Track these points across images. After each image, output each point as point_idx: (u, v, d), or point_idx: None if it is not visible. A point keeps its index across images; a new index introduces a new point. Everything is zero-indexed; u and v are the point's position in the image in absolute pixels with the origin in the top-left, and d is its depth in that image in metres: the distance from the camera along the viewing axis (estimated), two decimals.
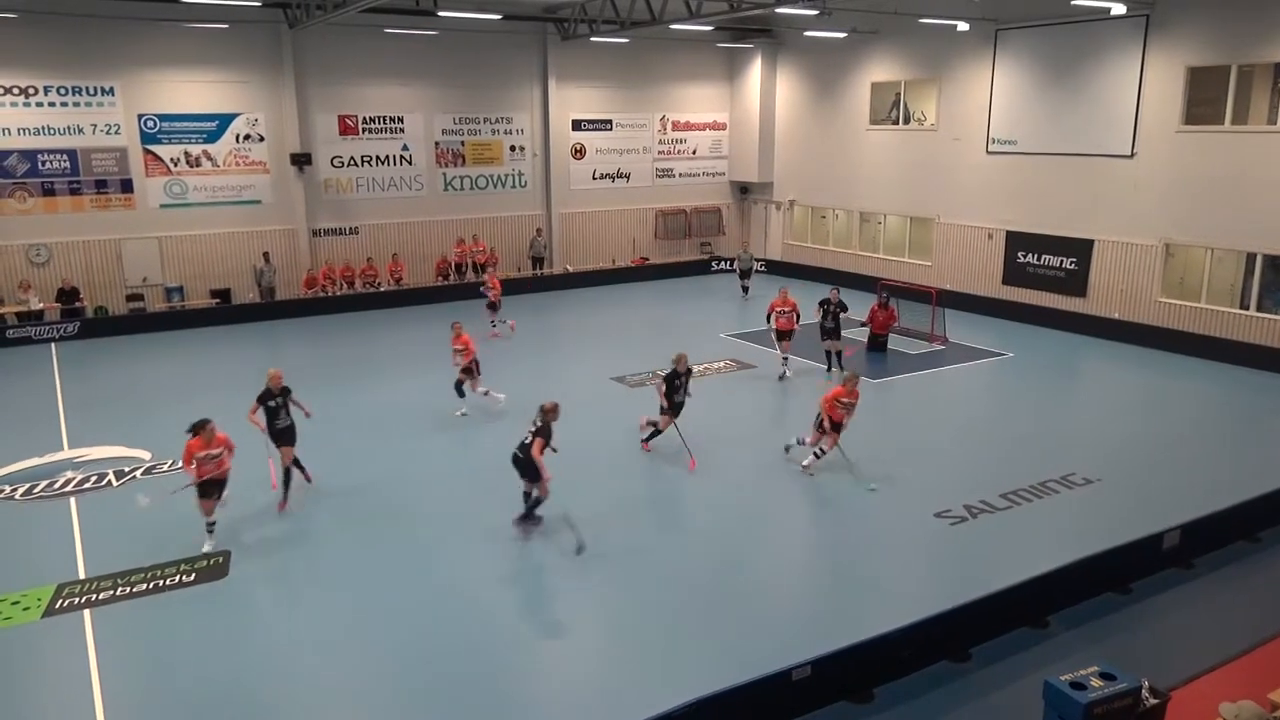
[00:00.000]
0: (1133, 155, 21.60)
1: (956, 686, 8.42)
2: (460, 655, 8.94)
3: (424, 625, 9.48)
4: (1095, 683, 6.39)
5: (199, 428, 10.94)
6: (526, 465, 11.14)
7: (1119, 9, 20.32)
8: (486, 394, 16.31)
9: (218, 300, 25.04)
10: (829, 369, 18.66)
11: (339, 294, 25.80)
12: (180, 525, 11.80)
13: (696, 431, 15.50)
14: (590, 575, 10.62)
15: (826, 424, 13.12)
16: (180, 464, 11.61)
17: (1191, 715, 6.75)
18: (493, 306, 22.33)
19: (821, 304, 18.52)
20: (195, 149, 24.60)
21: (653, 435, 14.36)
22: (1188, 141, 20.63)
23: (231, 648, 9.09)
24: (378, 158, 27.07)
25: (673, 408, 14.05)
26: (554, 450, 11.22)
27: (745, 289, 26.96)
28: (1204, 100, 20.48)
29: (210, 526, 11.14)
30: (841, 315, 18.57)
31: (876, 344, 20.79)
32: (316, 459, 13.55)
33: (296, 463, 12.63)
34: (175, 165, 24.41)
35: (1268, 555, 11.02)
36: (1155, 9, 20.63)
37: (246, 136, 25.15)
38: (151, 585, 10.26)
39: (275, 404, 12.49)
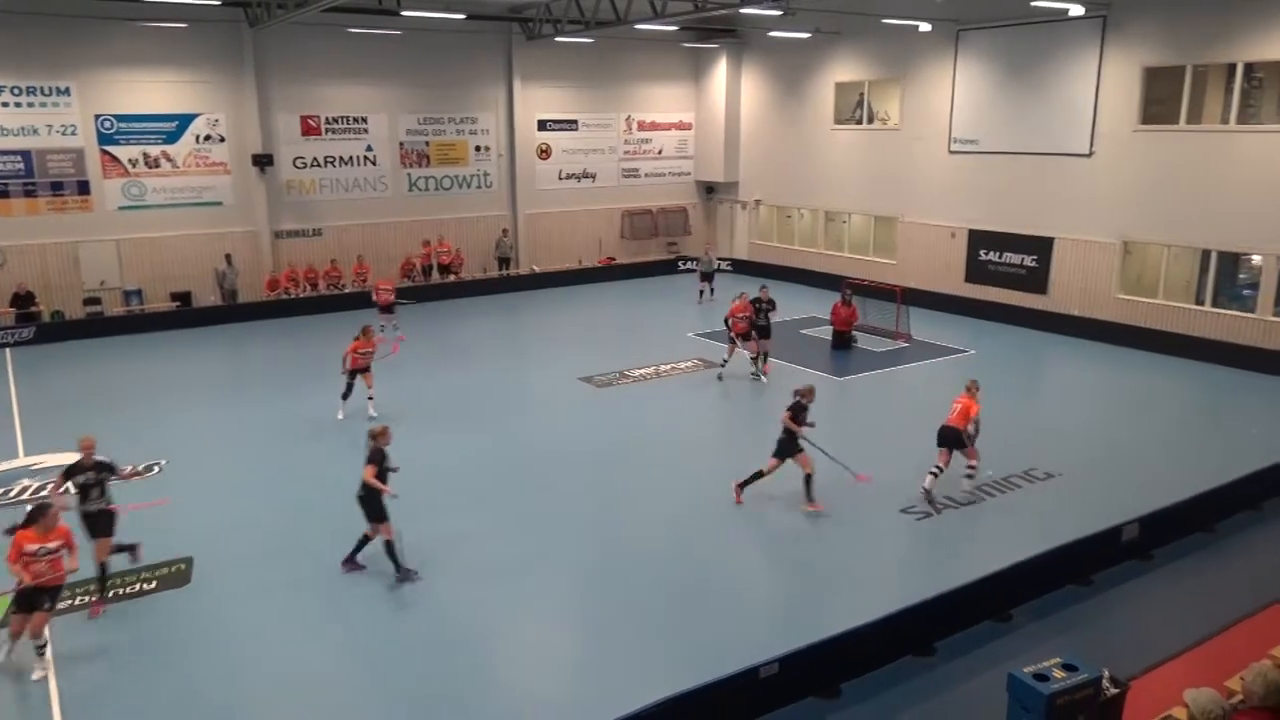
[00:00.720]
0: (1091, 154, 21.94)
1: (922, 680, 8.50)
2: (430, 660, 8.88)
3: (399, 630, 9.41)
4: (1058, 674, 6.48)
5: (35, 515, 8.56)
6: (366, 501, 10.28)
7: (1077, 10, 20.62)
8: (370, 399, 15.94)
9: (178, 303, 24.67)
10: (753, 371, 18.55)
11: (302, 296, 25.53)
12: (139, 532, 11.62)
13: (663, 431, 15.55)
14: (556, 577, 10.60)
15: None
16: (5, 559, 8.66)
17: (1151, 703, 6.87)
18: (387, 310, 22.02)
19: (753, 302, 18.53)
20: (154, 150, 24.22)
21: (753, 479, 12.53)
22: (1144, 140, 20.99)
23: (197, 656, 8.96)
24: (341, 158, 26.82)
25: (793, 445, 12.24)
26: (394, 470, 10.48)
27: (705, 291, 26.30)
28: (1160, 100, 20.85)
29: (40, 650, 8.55)
30: (771, 314, 18.61)
31: (841, 341, 20.96)
32: (283, 466, 13.45)
33: (118, 549, 10.09)
34: (134, 166, 24.01)
35: (1223, 546, 11.24)
36: (1112, 10, 20.97)
37: (207, 137, 24.81)
38: (112, 594, 10.08)
39: (86, 480, 9.88)
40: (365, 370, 15.80)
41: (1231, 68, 19.50)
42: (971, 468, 12.67)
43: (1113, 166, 21.60)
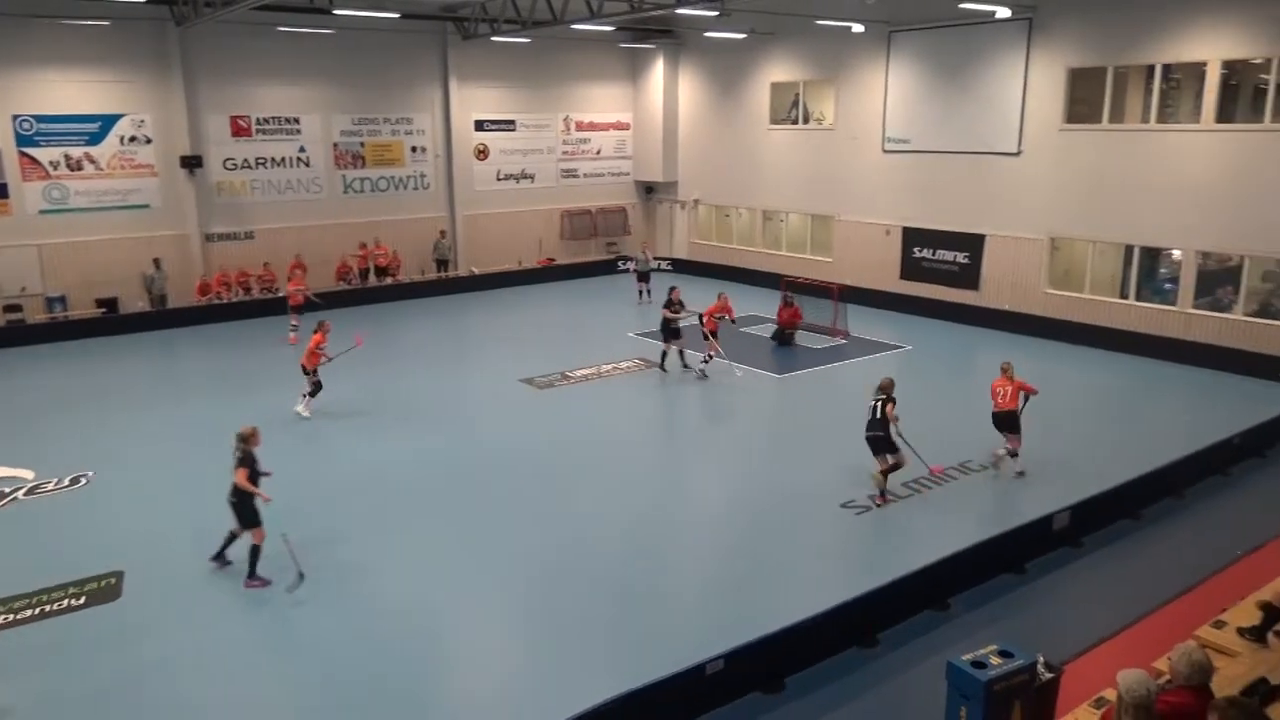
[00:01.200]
0: (1019, 153, 22.50)
1: (865, 671, 8.65)
2: (375, 664, 8.76)
3: (329, 639, 9.25)
4: (994, 660, 6.63)
5: None
6: (238, 506, 10.27)
7: (1004, 12, 21.14)
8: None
9: (104, 310, 23.90)
10: (661, 365, 18.86)
11: (235, 300, 24.97)
12: (66, 546, 11.29)
13: (605, 431, 15.56)
14: (500, 579, 10.54)
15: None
16: None
17: (1084, 686, 7.07)
18: (297, 309, 21.93)
19: (665, 305, 18.70)
20: (76, 151, 23.44)
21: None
22: (1069, 139, 21.60)
23: (128, 672, 8.72)
24: (273, 159, 26.28)
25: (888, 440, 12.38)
26: (266, 474, 10.47)
27: (643, 292, 26.24)
28: (1084, 100, 21.48)
29: None
30: (681, 315, 18.62)
31: (784, 339, 21.23)
32: (216, 475, 13.12)
33: None
34: (55, 169, 23.21)
35: (1149, 532, 11.63)
36: (1037, 12, 21.53)
37: (132, 138, 24.10)
38: (39, 610, 9.76)
39: None
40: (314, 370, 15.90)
41: (1151, 69, 20.16)
42: (1014, 453, 13.14)
43: (1040, 165, 22.18)
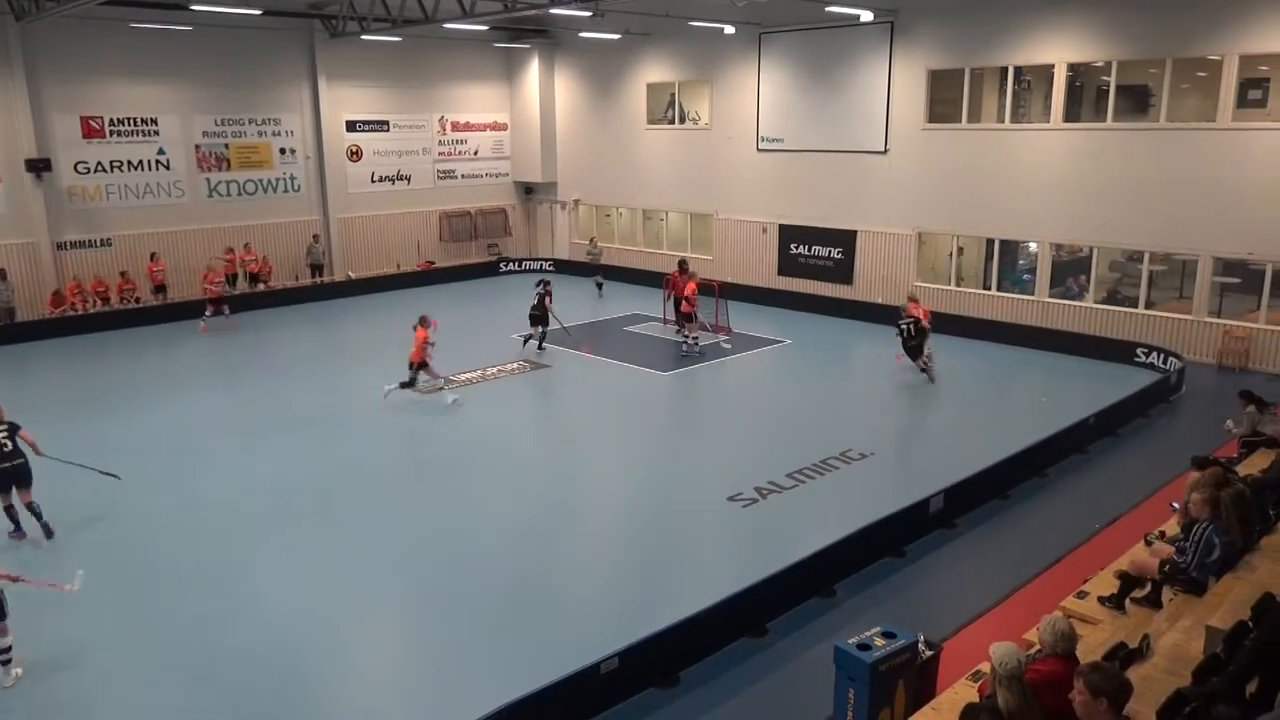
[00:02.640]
0: (886, 151, 23.35)
1: (756, 660, 8.81)
2: (254, 687, 8.43)
3: (221, 655, 8.85)
4: (879, 642, 6.86)
5: None
6: None
7: (867, 16, 21.89)
8: None
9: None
10: (528, 342, 20.46)
11: (93, 311, 23.59)
12: None
13: (491, 434, 15.40)
14: (386, 588, 10.31)
15: None
16: None
17: (962, 661, 7.39)
18: (215, 302, 23.15)
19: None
20: None
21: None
22: (931, 138, 22.55)
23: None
24: (129, 163, 24.91)
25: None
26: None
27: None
28: (944, 100, 22.47)
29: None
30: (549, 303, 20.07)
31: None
32: (80, 493, 12.40)
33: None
34: None
35: (1017, 510, 12.25)
36: (899, 16, 22.39)
37: None
38: None
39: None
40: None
41: (1004, 71, 21.24)
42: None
43: (905, 163, 23.08)
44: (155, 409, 16.79)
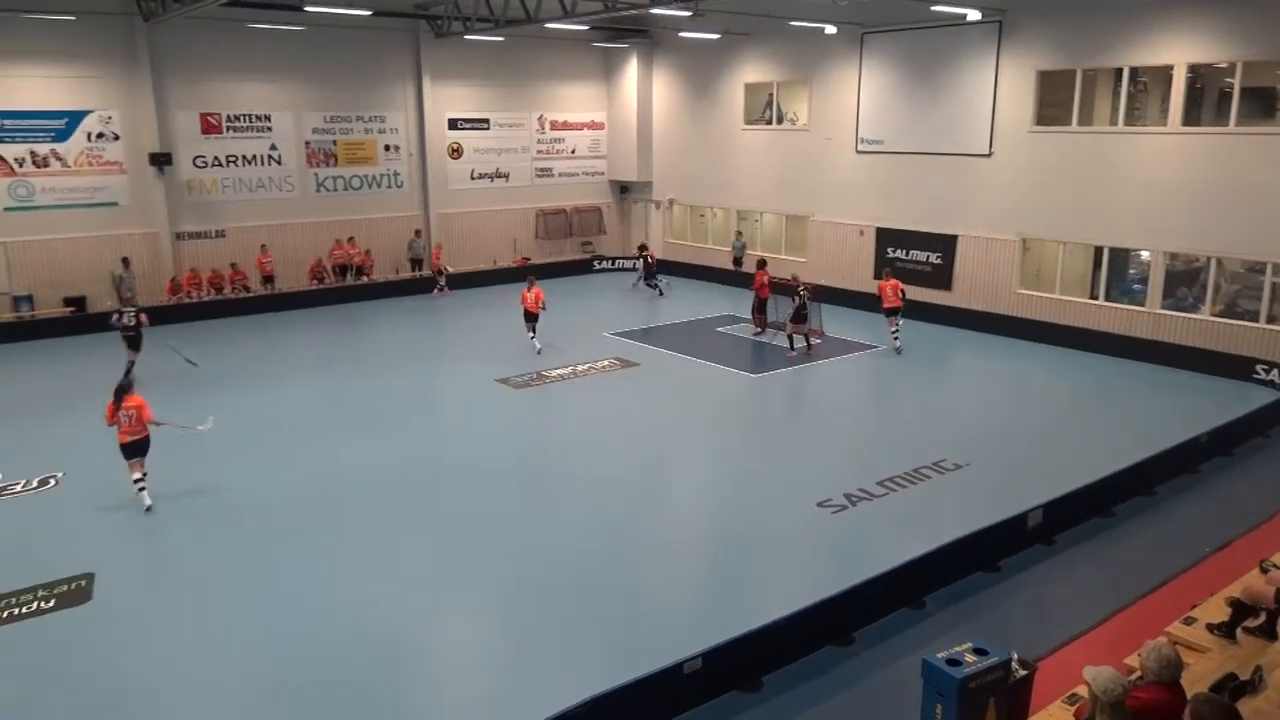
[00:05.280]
0: (990, 154, 22.71)
1: (841, 670, 8.69)
2: (344, 670, 8.70)
3: (305, 643, 9.17)
4: (969, 658, 6.68)
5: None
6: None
7: (974, 15, 21.33)
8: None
9: (72, 309, 23.56)
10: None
11: (206, 299, 24.68)
12: (35, 548, 11.13)
13: (581, 431, 15.55)
14: (479, 578, 10.50)
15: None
16: None
17: (1057, 683, 7.14)
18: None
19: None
20: (43, 148, 23.09)
21: None
22: (1039, 141, 21.83)
23: (98, 676, 8.59)
24: (244, 157, 26.01)
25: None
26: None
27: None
28: (1053, 102, 21.72)
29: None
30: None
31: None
32: (184, 472, 13.00)
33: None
34: (20, 166, 22.85)
35: (1121, 528, 11.77)
36: (1007, 15, 21.74)
37: (100, 135, 23.77)
38: (6, 614, 9.60)
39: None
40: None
41: (1119, 72, 20.42)
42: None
43: (1010, 166, 22.40)
44: (262, 395, 17.47)
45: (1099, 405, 17.34)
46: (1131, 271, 21.51)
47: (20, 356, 20.53)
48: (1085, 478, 12.04)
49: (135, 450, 12.13)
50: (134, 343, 18.04)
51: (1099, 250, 21.31)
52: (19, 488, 13.00)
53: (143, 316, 18.10)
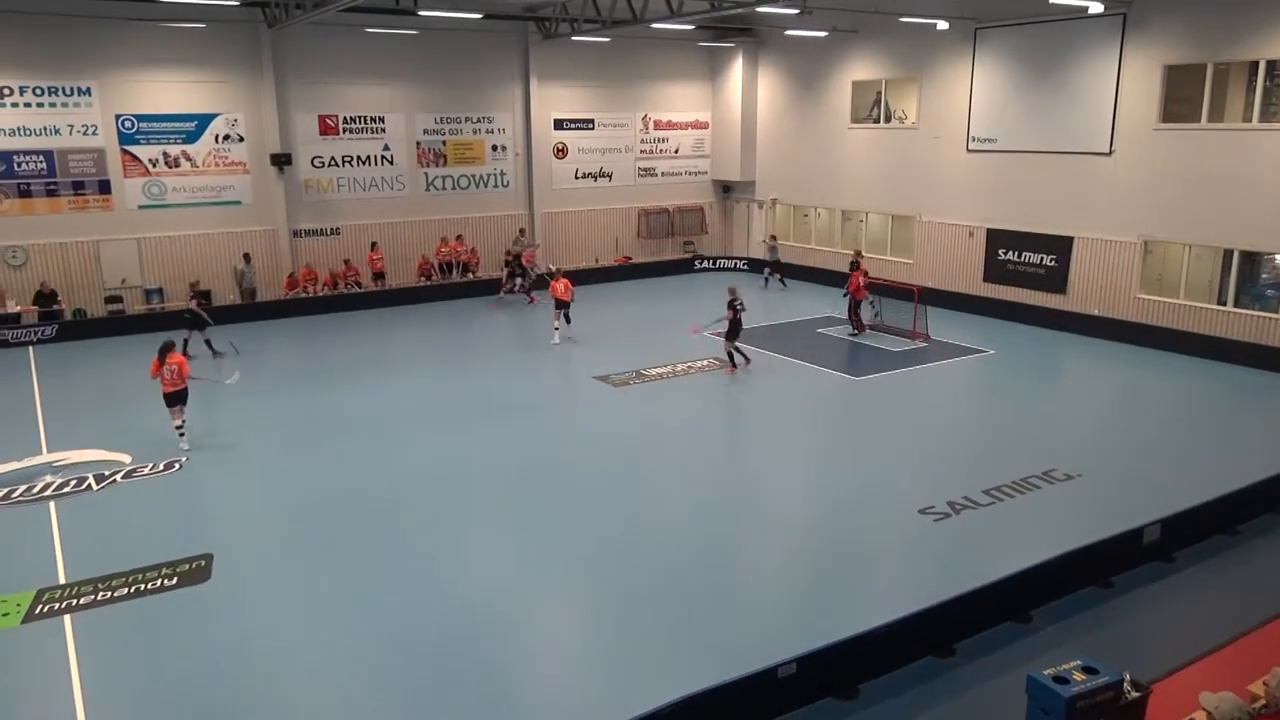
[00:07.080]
0: (1111, 153, 21.77)
1: (941, 681, 8.47)
2: (449, 658, 8.91)
3: (415, 628, 9.43)
4: (1078, 676, 6.44)
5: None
6: None
7: (1096, 8, 20.47)
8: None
9: (198, 302, 24.77)
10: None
11: (321, 294, 25.66)
12: (160, 528, 11.75)
13: (680, 430, 15.56)
14: (572, 574, 10.62)
15: None
16: None
17: (1172, 708, 6.80)
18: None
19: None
20: (174, 149, 24.41)
21: None
22: (1165, 139, 20.81)
23: (216, 652, 9.03)
24: (358, 158, 26.95)
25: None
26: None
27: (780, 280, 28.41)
28: (1181, 98, 20.67)
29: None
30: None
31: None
32: (303, 463, 13.51)
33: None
34: (154, 166, 24.21)
35: (1246, 548, 11.13)
36: (1133, 8, 20.80)
37: (226, 137, 24.99)
38: (133, 589, 10.18)
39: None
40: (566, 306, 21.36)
41: (1254, 65, 19.30)
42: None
43: (1133, 165, 21.42)
44: (370, 388, 18.04)
45: (1224, 417, 16.44)
46: (1264, 276, 20.29)
47: (150, 346, 21.45)
48: (1208, 493, 11.43)
49: (176, 399, 14.38)
50: (198, 323, 20.62)
51: (1228, 253, 20.19)
52: (146, 470, 13.75)
53: (193, 303, 20.97)
